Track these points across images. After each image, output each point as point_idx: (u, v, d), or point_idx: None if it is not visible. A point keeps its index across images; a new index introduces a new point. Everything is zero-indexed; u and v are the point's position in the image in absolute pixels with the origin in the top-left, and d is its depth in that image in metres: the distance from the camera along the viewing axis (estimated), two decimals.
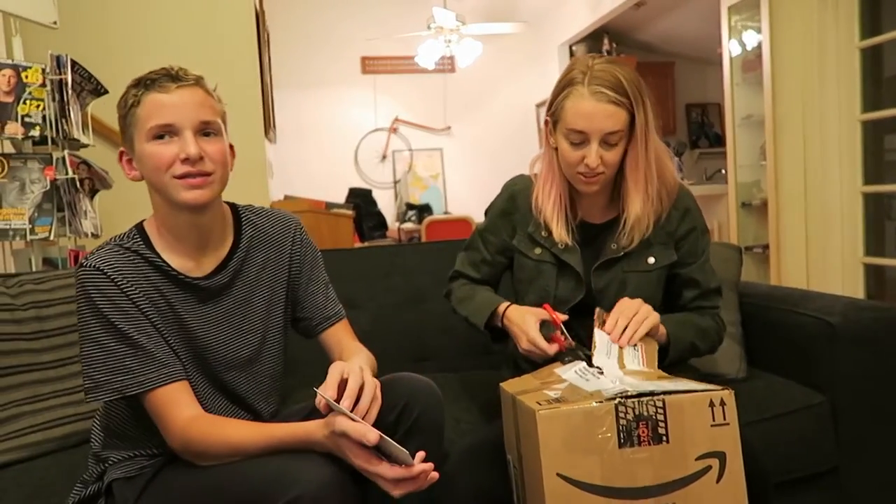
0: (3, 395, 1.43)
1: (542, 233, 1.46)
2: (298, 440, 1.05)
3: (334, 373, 1.07)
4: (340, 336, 1.33)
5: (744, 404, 1.26)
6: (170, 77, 1.11)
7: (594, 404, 1.06)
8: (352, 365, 1.09)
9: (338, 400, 1.03)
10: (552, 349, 1.30)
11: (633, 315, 1.30)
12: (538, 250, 1.47)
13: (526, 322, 1.33)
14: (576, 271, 1.44)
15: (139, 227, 1.19)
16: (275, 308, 1.29)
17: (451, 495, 1.23)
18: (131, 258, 1.13)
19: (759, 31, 3.58)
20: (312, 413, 1.25)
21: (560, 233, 1.43)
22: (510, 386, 1.25)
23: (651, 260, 1.45)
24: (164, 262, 1.15)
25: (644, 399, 1.06)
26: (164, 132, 1.10)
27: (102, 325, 1.09)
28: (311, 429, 1.05)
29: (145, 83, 1.11)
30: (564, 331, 1.32)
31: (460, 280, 1.60)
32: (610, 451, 1.05)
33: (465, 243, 1.62)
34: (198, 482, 1.08)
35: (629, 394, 1.07)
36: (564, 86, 1.35)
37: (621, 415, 1.06)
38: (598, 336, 1.30)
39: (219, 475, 1.06)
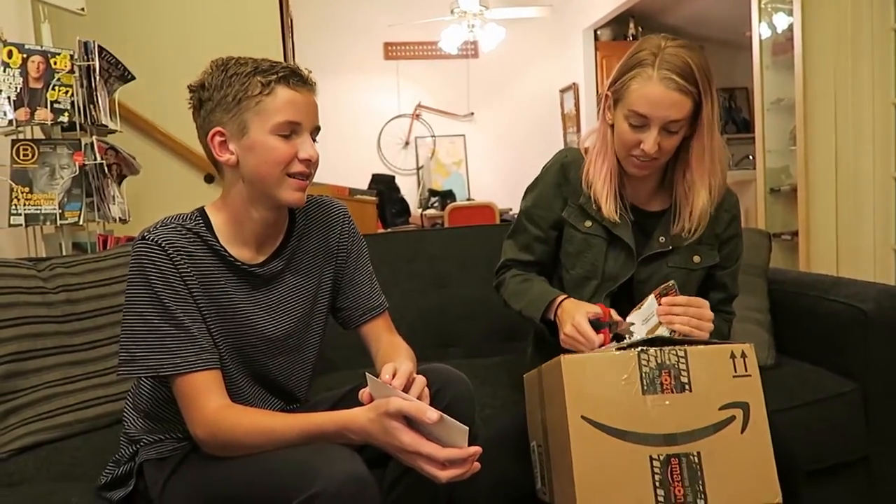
0: (35, 376, 1.46)
1: (594, 206, 1.43)
2: (338, 426, 1.03)
3: (387, 369, 1.07)
4: (381, 330, 1.32)
5: (773, 391, 1.24)
6: (299, 77, 1.14)
7: (617, 352, 1.11)
8: (402, 364, 1.09)
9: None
10: (597, 339, 1.25)
11: (695, 316, 1.25)
12: (588, 223, 1.44)
13: (578, 310, 1.30)
14: (627, 245, 1.41)
15: (201, 212, 1.19)
16: (322, 294, 1.30)
17: (470, 486, 1.21)
18: (192, 240, 1.14)
19: (789, 12, 3.50)
20: (338, 403, 1.26)
21: (609, 210, 1.40)
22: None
23: (697, 259, 1.43)
24: (222, 247, 1.16)
25: (666, 348, 1.11)
26: (291, 130, 1.13)
27: (151, 300, 1.09)
28: (354, 413, 1.03)
29: (273, 73, 1.11)
30: (617, 327, 1.29)
31: (512, 270, 1.54)
32: (633, 396, 1.09)
33: (509, 229, 1.56)
34: (219, 474, 1.08)
35: (652, 340, 1.11)
36: (633, 66, 1.31)
37: (644, 362, 1.10)
38: (649, 301, 1.29)
39: (241, 467, 1.05)
